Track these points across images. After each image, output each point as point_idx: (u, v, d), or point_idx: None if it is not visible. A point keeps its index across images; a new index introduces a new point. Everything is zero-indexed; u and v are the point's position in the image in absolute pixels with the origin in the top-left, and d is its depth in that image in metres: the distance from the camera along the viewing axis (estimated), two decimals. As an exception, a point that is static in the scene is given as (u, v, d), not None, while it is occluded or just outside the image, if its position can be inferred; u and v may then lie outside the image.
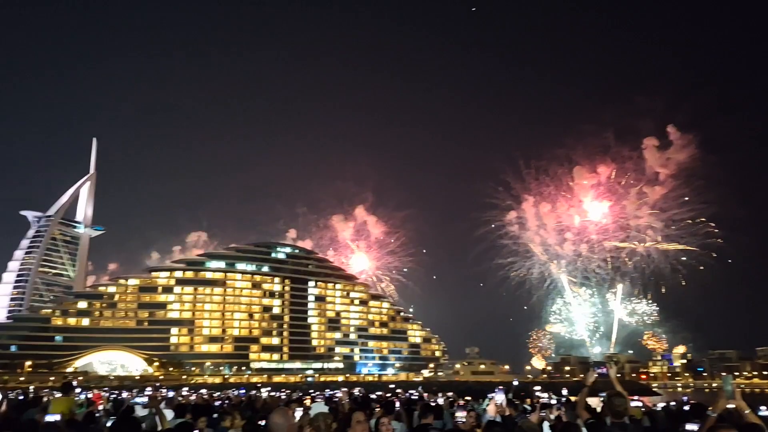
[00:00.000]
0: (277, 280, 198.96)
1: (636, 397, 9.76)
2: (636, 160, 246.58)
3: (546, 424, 9.85)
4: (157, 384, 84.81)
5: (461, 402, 15.28)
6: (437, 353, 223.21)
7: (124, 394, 26.54)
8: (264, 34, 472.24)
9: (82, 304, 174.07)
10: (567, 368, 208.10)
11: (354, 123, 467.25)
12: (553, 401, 12.61)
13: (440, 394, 18.83)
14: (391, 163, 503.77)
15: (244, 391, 27.99)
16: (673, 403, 15.62)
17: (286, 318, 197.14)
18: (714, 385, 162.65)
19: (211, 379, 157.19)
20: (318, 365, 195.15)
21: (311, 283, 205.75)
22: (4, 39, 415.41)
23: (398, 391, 22.09)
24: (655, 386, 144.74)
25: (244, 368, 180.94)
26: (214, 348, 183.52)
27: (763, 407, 10.94)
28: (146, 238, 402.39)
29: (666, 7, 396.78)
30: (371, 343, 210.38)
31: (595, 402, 11.49)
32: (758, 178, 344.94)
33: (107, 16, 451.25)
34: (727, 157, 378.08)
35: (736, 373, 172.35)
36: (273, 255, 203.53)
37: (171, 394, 27.64)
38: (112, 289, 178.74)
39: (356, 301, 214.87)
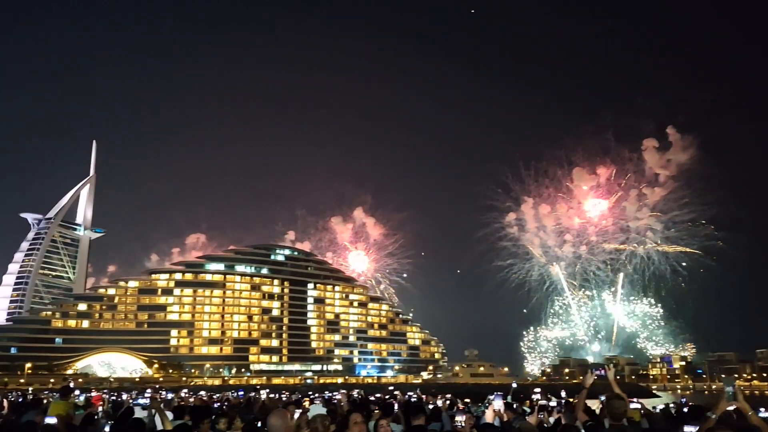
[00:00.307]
0: (276, 282, 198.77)
1: (635, 400, 9.75)
2: (636, 161, 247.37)
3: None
4: (157, 386, 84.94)
5: (461, 406, 15.21)
6: (436, 355, 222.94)
7: (124, 396, 26.50)
8: (264, 37, 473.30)
9: (82, 306, 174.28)
10: (566, 370, 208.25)
11: (352, 125, 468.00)
12: (552, 403, 12.57)
13: (439, 396, 18.76)
14: (390, 165, 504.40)
15: (243, 392, 27.94)
16: (672, 405, 15.59)
17: (286, 320, 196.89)
18: (714, 387, 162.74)
19: (211, 381, 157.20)
20: (317, 367, 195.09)
21: (310, 285, 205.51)
22: (5, 42, 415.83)
23: (396, 393, 22.02)
24: (654, 388, 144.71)
25: (243, 370, 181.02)
26: (213, 350, 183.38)
27: (762, 409, 10.92)
28: (146, 241, 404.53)
29: (666, 9, 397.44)
30: (370, 345, 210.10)
31: (594, 404, 11.46)
32: (758, 180, 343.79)
33: (107, 19, 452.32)
34: (728, 158, 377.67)
35: (736, 375, 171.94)
36: (272, 257, 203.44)
37: (170, 396, 27.61)
38: (111, 291, 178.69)
39: (355, 303, 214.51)
